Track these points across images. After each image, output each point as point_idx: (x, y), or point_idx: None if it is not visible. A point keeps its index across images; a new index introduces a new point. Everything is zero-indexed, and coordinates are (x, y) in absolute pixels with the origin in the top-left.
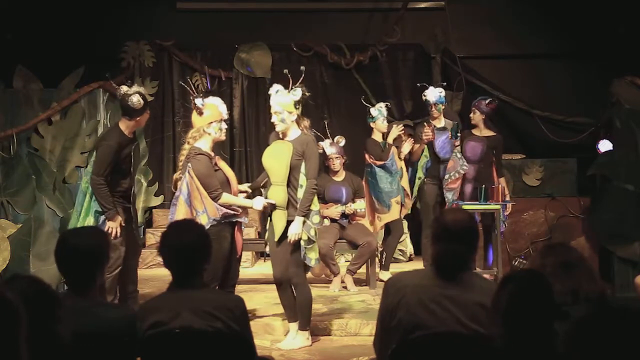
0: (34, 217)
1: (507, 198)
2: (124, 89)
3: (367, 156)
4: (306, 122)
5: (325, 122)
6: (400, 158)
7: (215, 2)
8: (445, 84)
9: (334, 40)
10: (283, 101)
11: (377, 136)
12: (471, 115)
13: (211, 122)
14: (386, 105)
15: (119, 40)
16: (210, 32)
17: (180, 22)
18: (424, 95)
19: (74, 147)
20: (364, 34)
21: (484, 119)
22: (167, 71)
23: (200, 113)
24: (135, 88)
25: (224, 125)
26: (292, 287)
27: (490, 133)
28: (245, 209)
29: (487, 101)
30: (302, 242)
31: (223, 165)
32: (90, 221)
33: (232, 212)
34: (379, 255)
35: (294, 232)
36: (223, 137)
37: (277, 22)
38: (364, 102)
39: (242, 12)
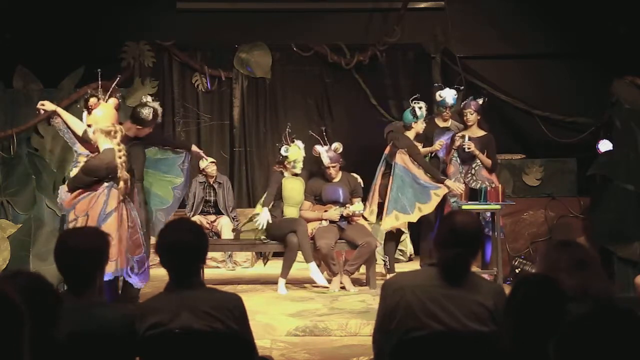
0: (34, 217)
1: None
2: (144, 99)
3: (399, 154)
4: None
5: (323, 129)
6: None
7: (215, 2)
8: (462, 88)
9: (334, 40)
10: None
11: (411, 136)
12: (467, 116)
13: None
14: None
15: (119, 40)
16: (210, 32)
17: (180, 22)
18: (440, 96)
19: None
20: (364, 34)
21: (479, 119)
22: (167, 71)
23: None
24: (153, 103)
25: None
26: None
27: (481, 133)
28: None
29: (481, 101)
30: None
31: None
32: None
33: None
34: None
35: None
36: None
37: (277, 22)
38: (411, 102)
39: (242, 12)
